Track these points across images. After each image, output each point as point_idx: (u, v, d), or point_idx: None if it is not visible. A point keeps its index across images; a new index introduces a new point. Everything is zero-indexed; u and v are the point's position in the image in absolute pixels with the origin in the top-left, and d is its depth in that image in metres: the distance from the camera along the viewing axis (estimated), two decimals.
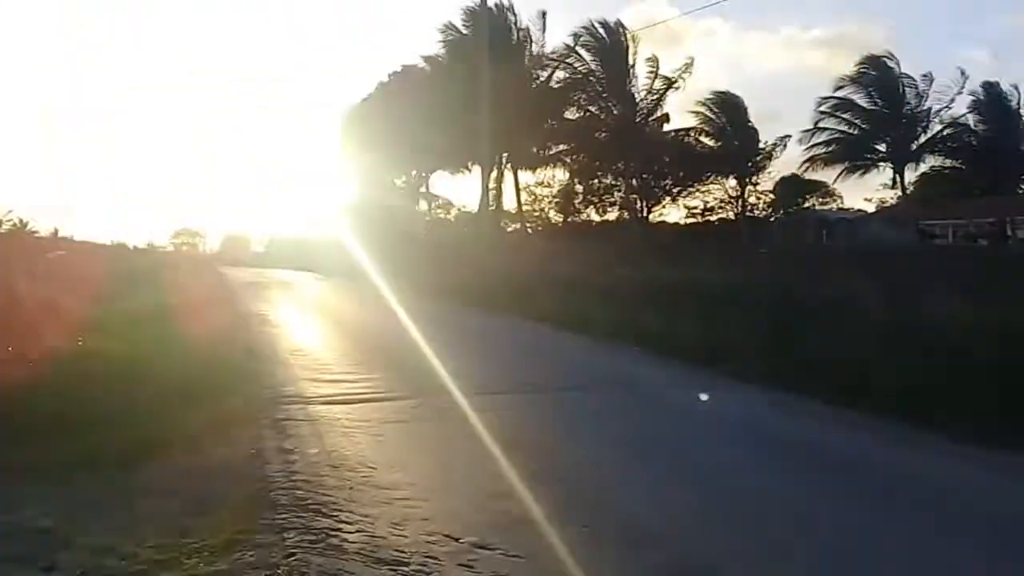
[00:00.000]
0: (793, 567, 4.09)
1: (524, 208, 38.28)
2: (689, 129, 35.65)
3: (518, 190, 37.09)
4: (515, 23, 33.68)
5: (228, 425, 6.66)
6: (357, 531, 4.32)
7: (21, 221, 61.41)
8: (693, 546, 4.30)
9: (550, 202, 38.98)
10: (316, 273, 37.93)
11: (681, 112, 35.77)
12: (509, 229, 37.92)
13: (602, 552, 4.17)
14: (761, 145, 35.74)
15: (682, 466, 5.87)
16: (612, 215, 37.74)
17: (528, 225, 38.93)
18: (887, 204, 40.57)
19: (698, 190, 36.92)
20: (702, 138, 35.99)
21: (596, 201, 37.76)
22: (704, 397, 8.20)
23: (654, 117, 34.11)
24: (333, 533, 4.27)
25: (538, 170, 36.95)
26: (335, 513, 4.58)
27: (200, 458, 5.74)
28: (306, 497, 4.85)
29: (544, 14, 34.01)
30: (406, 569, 3.86)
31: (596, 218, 37.97)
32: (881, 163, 35.93)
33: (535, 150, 35.86)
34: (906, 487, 5.47)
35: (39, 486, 4.97)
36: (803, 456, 6.23)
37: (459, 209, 43.55)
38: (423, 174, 42.29)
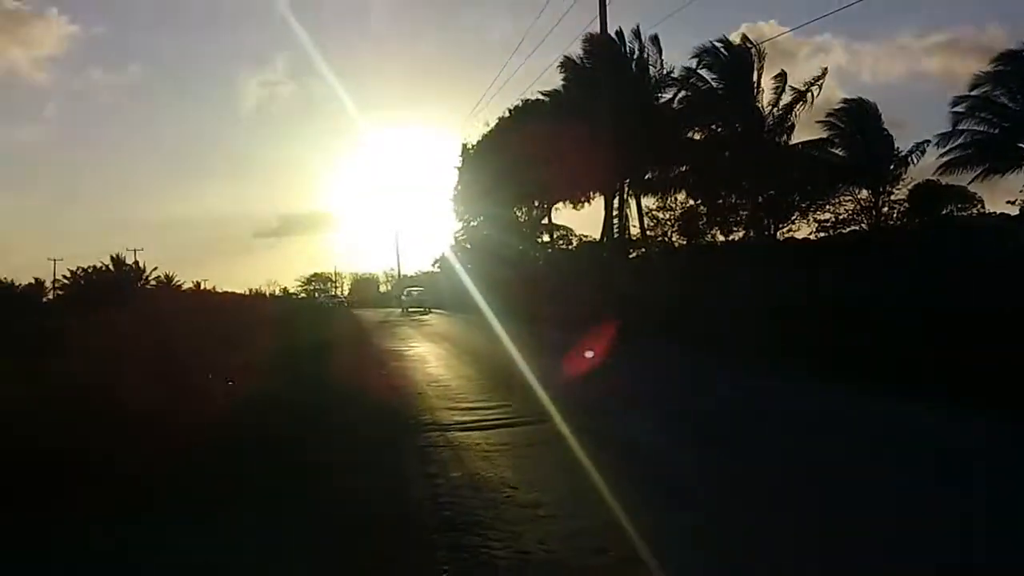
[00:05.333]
0: None
1: (647, 233, 37.82)
2: (817, 140, 34.14)
3: (641, 215, 36.76)
4: (636, 48, 33.83)
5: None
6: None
7: (166, 276, 65.83)
8: None
9: (672, 225, 38.31)
10: (441, 310, 39.04)
11: (809, 126, 34.36)
12: (632, 255, 37.54)
13: None
14: (895, 153, 33.66)
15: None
16: (738, 235, 36.53)
17: (652, 249, 38.40)
18: None
19: (829, 203, 35.12)
20: (832, 150, 34.35)
21: (720, 221, 36.75)
22: None
23: (779, 132, 33.01)
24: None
25: (660, 194, 36.47)
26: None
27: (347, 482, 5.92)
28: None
29: (657, 37, 33.87)
30: None
31: (721, 238, 36.92)
32: None
33: (657, 174, 35.45)
34: None
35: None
36: None
37: (580, 238, 43.57)
38: (544, 206, 42.63)
